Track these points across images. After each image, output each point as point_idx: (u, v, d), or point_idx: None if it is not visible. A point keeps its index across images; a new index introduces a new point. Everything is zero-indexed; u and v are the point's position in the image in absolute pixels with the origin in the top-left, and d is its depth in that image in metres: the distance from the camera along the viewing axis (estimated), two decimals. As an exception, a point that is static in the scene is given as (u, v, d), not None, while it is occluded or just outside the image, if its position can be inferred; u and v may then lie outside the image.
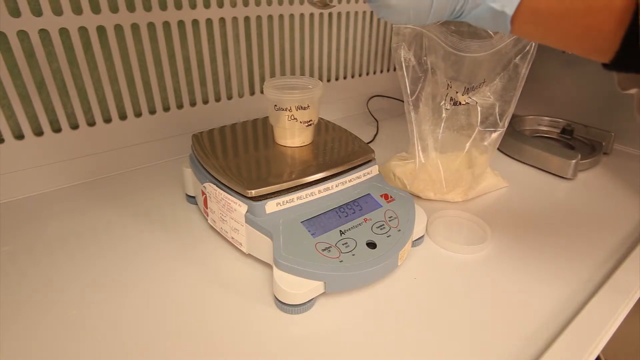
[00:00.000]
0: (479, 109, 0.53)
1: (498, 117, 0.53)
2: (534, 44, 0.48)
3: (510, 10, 0.28)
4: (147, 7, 0.56)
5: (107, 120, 0.59)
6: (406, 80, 0.51)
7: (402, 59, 0.51)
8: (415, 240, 0.46)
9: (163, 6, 0.57)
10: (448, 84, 0.51)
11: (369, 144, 0.52)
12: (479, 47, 0.47)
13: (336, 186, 0.45)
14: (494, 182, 0.59)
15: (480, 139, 0.54)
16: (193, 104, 0.67)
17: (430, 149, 0.55)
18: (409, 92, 0.52)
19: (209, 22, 0.63)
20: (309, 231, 0.41)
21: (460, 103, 0.52)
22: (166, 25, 0.59)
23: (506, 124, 0.53)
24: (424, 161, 0.55)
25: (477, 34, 0.47)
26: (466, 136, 0.54)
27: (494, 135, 0.54)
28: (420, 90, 0.52)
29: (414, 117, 0.53)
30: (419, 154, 0.55)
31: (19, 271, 0.42)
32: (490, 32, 0.47)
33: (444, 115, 0.53)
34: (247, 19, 0.66)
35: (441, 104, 0.52)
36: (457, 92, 0.51)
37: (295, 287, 0.36)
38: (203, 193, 0.46)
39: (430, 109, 0.53)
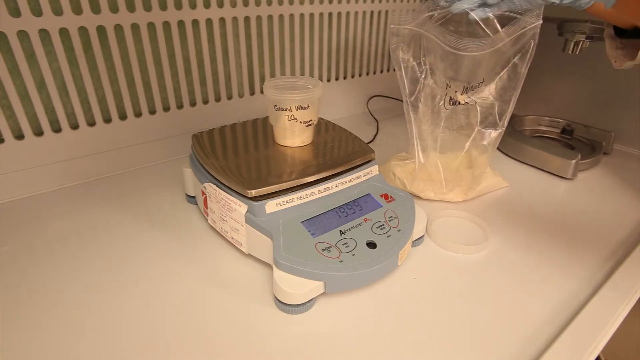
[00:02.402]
0: (478, 108, 0.53)
1: (497, 117, 0.53)
2: (532, 43, 0.48)
3: None
4: (147, 7, 0.56)
5: (107, 120, 0.59)
6: (405, 81, 0.51)
7: (401, 60, 0.51)
8: (415, 240, 0.46)
9: (163, 6, 0.57)
10: (447, 84, 0.51)
11: (369, 144, 0.52)
12: (477, 46, 0.47)
13: (336, 186, 0.45)
14: (494, 182, 0.59)
15: (479, 138, 0.54)
16: (193, 104, 0.67)
17: (430, 149, 0.55)
18: (407, 92, 0.52)
19: (209, 22, 0.63)
20: (309, 231, 0.41)
21: (459, 103, 0.52)
22: (166, 25, 0.59)
23: (505, 124, 0.53)
24: (424, 161, 0.55)
25: (475, 34, 0.47)
26: (466, 136, 0.54)
27: (494, 134, 0.54)
28: (420, 90, 0.52)
29: (413, 118, 0.53)
30: (418, 154, 0.55)
31: (19, 271, 0.42)
32: (488, 31, 0.47)
33: (443, 115, 0.53)
34: (247, 19, 0.66)
35: (440, 104, 0.52)
36: (456, 92, 0.51)
37: (295, 287, 0.36)
38: (203, 193, 0.46)
39: (430, 109, 0.53)
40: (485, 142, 0.54)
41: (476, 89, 0.52)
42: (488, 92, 0.52)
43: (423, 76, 0.52)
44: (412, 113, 0.53)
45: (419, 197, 0.56)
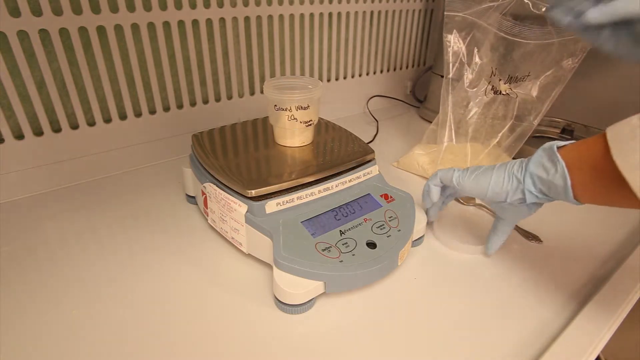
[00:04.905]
0: (517, 102, 0.53)
1: (532, 114, 0.54)
2: (584, 53, 0.49)
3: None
4: (147, 7, 0.56)
5: (107, 120, 0.59)
6: (450, 64, 0.54)
7: (451, 44, 0.54)
8: (415, 240, 0.46)
9: (163, 6, 0.57)
10: (492, 71, 0.52)
11: (369, 144, 0.52)
12: (530, 33, 0.49)
13: (336, 186, 0.45)
14: None
15: (510, 131, 0.56)
16: (193, 104, 0.67)
17: (461, 133, 0.56)
18: (450, 75, 0.54)
19: (209, 22, 0.63)
20: (309, 231, 0.41)
21: (500, 92, 0.53)
22: (166, 25, 0.59)
23: (537, 122, 0.54)
24: (451, 143, 0.57)
25: (527, 18, 0.49)
26: (498, 127, 0.55)
27: (524, 130, 0.55)
28: (461, 74, 0.54)
29: (450, 99, 0.55)
30: (447, 135, 0.57)
31: (19, 271, 0.42)
32: (547, 20, 0.49)
33: (482, 102, 0.54)
34: (247, 19, 0.66)
35: (481, 90, 0.53)
36: (500, 80, 0.52)
37: (295, 287, 0.36)
38: (203, 193, 0.46)
39: (469, 95, 0.54)
40: (514, 136, 0.56)
41: (520, 82, 0.53)
42: (530, 88, 0.53)
43: (470, 62, 0.53)
44: (450, 94, 0.55)
45: None
